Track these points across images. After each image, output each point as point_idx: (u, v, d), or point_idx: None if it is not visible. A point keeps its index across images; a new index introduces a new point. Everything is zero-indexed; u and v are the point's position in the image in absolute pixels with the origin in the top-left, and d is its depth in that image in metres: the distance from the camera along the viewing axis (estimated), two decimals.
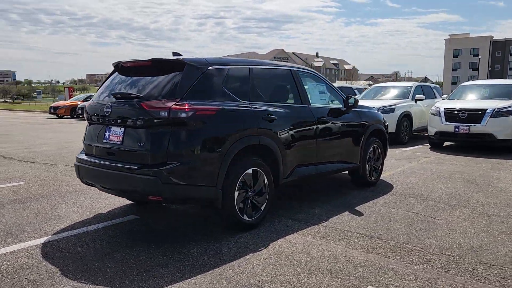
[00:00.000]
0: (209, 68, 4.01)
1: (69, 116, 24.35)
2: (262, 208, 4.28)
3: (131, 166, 3.70)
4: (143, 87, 3.90)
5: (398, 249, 3.70)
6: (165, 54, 4.59)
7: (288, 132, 4.56)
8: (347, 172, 6.03)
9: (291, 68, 4.98)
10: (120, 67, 4.32)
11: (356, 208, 5.02)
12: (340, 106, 5.55)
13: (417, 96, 12.31)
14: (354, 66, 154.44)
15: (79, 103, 24.42)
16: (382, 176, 6.81)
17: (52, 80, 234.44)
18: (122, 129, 3.89)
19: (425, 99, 12.60)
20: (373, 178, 6.15)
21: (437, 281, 3.08)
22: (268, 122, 4.32)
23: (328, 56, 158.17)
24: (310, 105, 4.99)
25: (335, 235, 4.06)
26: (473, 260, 3.48)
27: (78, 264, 3.38)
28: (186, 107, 3.66)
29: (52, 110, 25.00)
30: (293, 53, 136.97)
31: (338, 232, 4.14)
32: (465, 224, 4.44)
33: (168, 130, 3.66)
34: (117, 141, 3.91)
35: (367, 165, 5.97)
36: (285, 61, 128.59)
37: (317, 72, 5.53)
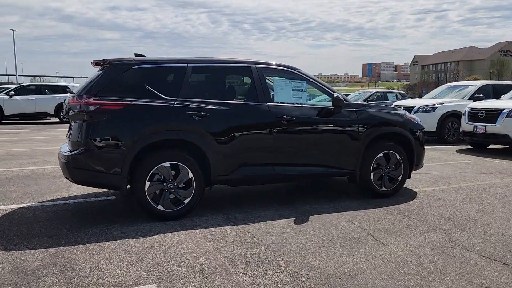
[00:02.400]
0: (133, 67, 4.40)
1: None
2: (186, 202, 4.43)
3: (65, 153, 4.41)
4: (84, 85, 4.55)
5: (257, 260, 3.42)
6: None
7: (226, 130, 4.55)
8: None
9: (252, 65, 4.87)
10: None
11: (311, 216, 4.62)
12: (328, 104, 5.12)
13: None
14: None
15: None
16: (427, 189, 5.93)
17: None
18: (71, 121, 4.63)
19: None
20: (384, 189, 5.39)
21: None
22: (196, 118, 4.42)
23: None
24: (269, 103, 4.80)
25: (230, 238, 3.94)
26: (314, 286, 2.99)
27: (12, 227, 4.24)
28: (92, 102, 4.16)
29: None
30: None
31: (236, 236, 4.00)
32: (398, 250, 3.67)
33: (82, 122, 4.23)
34: (68, 132, 4.68)
35: (371, 173, 5.29)
36: (511, 55, 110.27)
37: (296, 68, 5.17)
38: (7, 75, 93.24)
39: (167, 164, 4.33)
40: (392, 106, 12.82)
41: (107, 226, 4.22)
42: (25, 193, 5.55)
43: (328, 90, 5.21)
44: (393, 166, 5.43)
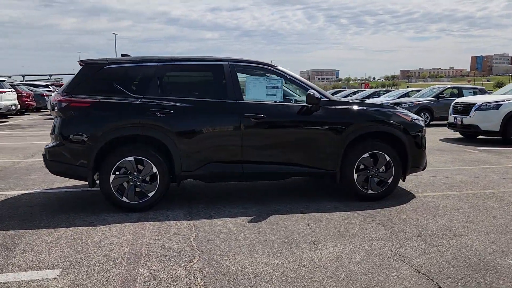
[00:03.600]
0: (105, 67, 4.69)
1: None
2: (150, 195, 4.63)
3: (45, 147, 4.86)
4: (66, 83, 4.95)
5: (174, 255, 3.50)
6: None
7: (190, 126, 4.66)
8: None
9: (224, 63, 4.89)
10: None
11: (273, 215, 4.55)
12: (303, 102, 4.98)
13: None
14: None
15: None
16: (429, 194, 5.53)
17: (368, 77, 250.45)
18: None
19: None
20: (371, 191, 5.08)
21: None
22: (159, 115, 4.59)
23: None
24: (239, 100, 4.80)
25: (172, 232, 4.06)
26: (203, 284, 3.02)
27: (1, 209, 4.81)
28: (64, 99, 4.54)
29: None
30: None
31: (180, 230, 4.10)
32: (325, 256, 3.51)
33: (57, 118, 4.64)
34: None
35: (355, 175, 5.03)
36: None
37: (273, 65, 5.07)
38: None
39: (132, 158, 4.55)
40: (453, 103, 11.82)
41: (76, 214, 4.58)
42: (42, 181, 6.19)
43: (307, 87, 5.03)
44: (383, 168, 5.09)
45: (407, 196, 5.38)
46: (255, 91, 4.88)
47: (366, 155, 5.02)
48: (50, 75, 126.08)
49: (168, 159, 4.66)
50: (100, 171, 4.55)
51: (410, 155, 5.15)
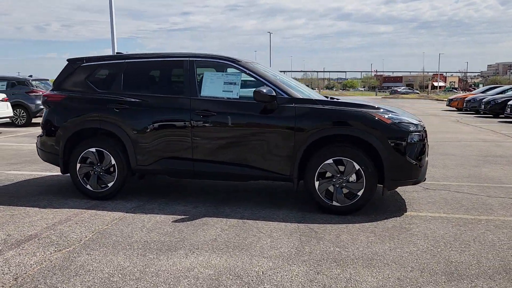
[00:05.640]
0: (82, 65, 5.12)
1: (461, 109, 22.89)
2: (109, 185, 4.92)
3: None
4: None
5: (58, 243, 3.69)
6: None
7: (143, 122, 4.76)
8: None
9: (185, 59, 4.80)
10: None
11: (206, 217, 4.36)
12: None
13: None
14: None
15: (474, 95, 22.75)
16: (425, 215, 4.63)
17: None
18: None
19: None
20: (336, 203, 4.43)
21: None
22: (116, 110, 4.83)
23: None
24: (193, 97, 4.69)
25: (93, 222, 4.25)
26: (24, 276, 3.17)
27: (9, 187, 5.69)
28: (44, 94, 5.14)
29: (448, 102, 24.70)
30: None
31: (104, 222, 4.27)
32: (181, 265, 3.27)
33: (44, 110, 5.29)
34: None
35: (316, 182, 4.47)
36: None
37: (236, 60, 4.70)
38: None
39: (93, 149, 4.89)
40: None
41: (53, 197, 5.13)
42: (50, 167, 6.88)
43: (267, 83, 4.61)
44: (353, 178, 4.38)
45: (391, 213, 4.52)
46: (212, 87, 4.71)
47: (330, 161, 4.39)
48: None
49: (126, 152, 4.85)
50: (70, 160, 5.00)
51: (388, 164, 4.30)
